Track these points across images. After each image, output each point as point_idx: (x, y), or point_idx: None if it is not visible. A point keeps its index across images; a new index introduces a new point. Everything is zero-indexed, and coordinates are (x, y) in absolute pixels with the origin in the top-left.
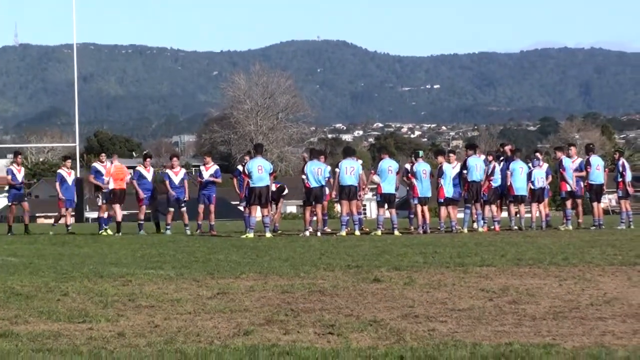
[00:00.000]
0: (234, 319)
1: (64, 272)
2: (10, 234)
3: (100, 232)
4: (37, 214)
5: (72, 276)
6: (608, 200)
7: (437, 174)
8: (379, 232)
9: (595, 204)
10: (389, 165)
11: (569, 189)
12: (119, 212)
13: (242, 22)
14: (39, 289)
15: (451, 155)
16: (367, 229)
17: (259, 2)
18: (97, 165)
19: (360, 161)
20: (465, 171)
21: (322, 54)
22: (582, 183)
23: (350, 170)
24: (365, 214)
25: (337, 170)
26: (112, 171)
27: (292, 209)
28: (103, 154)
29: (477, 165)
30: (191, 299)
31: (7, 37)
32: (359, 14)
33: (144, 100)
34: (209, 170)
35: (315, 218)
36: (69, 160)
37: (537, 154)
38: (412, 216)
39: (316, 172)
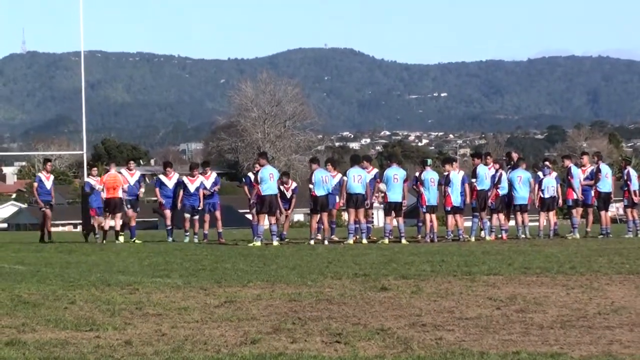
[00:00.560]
0: (241, 327)
1: (71, 280)
2: (45, 241)
3: (132, 240)
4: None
5: (79, 284)
6: (615, 208)
7: (444, 182)
8: (386, 241)
9: (603, 212)
10: (394, 173)
11: (575, 197)
12: (108, 222)
13: (250, 29)
14: (46, 297)
15: (453, 163)
16: (375, 238)
17: (266, 10)
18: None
19: (375, 170)
20: (474, 180)
21: (329, 62)
22: (591, 192)
23: (358, 178)
24: (372, 222)
25: (344, 178)
26: (105, 180)
27: (299, 217)
28: (95, 168)
29: (485, 174)
30: (198, 308)
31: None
32: (367, 22)
33: (151, 108)
34: (209, 179)
35: (322, 226)
36: (95, 169)
37: (547, 163)
38: (420, 224)
39: (323, 179)
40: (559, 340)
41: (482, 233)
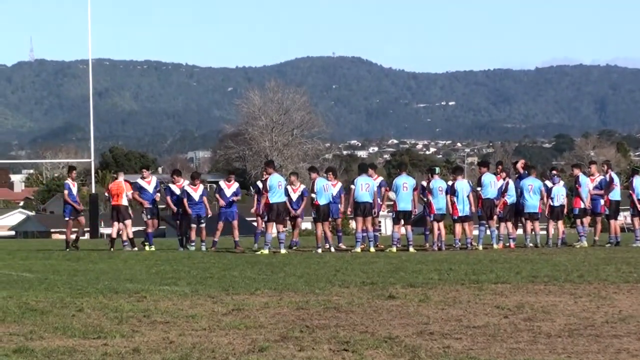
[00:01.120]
0: (249, 335)
1: (79, 287)
2: (70, 249)
3: (148, 247)
4: (51, 230)
5: (87, 292)
6: (624, 217)
7: (450, 191)
8: (394, 249)
9: (612, 221)
10: (404, 182)
11: (582, 206)
12: (115, 229)
13: (258, 38)
14: (54, 304)
15: (463, 174)
16: (382, 246)
17: (274, 19)
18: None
19: (380, 178)
20: (479, 188)
21: (337, 71)
22: (601, 200)
23: (366, 187)
24: (380, 230)
25: (352, 187)
26: (110, 187)
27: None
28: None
29: (491, 182)
30: (206, 315)
31: (23, 53)
32: (374, 30)
33: (158, 116)
34: (230, 188)
35: (325, 235)
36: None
37: (554, 172)
38: (427, 233)
39: (325, 188)
40: (567, 349)
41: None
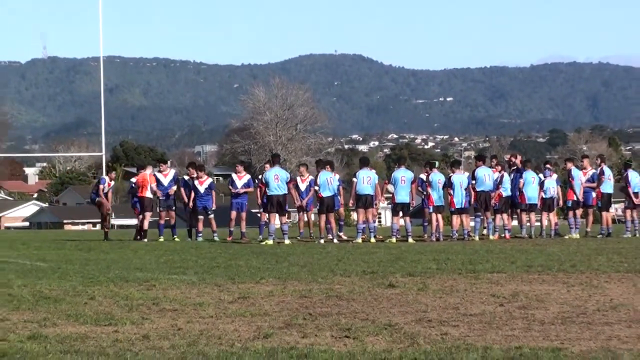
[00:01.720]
0: (254, 322)
1: (91, 276)
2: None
3: (159, 238)
4: (64, 221)
5: (98, 280)
6: (615, 209)
7: (447, 184)
8: (393, 240)
9: (604, 212)
10: (402, 175)
11: (575, 198)
12: (145, 220)
13: (262, 36)
14: (66, 292)
15: (461, 167)
16: (382, 237)
17: (278, 17)
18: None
19: (373, 170)
20: (474, 181)
21: (339, 68)
22: (593, 193)
23: (367, 180)
24: (380, 222)
25: (354, 180)
26: (137, 179)
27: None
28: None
29: (485, 175)
30: (213, 303)
31: (37, 50)
32: (375, 29)
33: (167, 111)
34: (241, 180)
35: (329, 225)
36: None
37: (548, 165)
38: (426, 224)
39: (328, 181)
40: (560, 335)
41: (485, 231)
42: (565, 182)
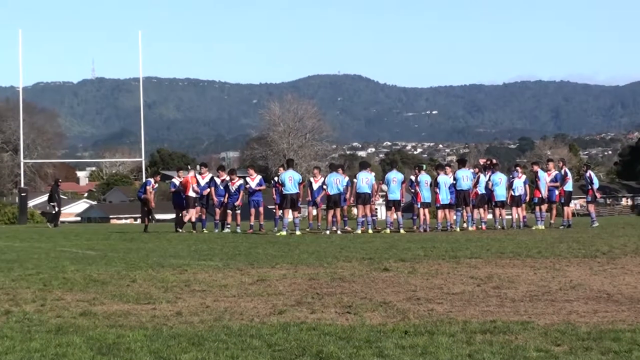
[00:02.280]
0: (270, 301)
1: (133, 263)
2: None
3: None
4: (110, 216)
5: (139, 266)
6: (574, 204)
7: (433, 184)
8: (387, 231)
9: (565, 207)
10: (393, 176)
11: (540, 195)
12: (189, 215)
13: (277, 59)
14: (112, 276)
15: (447, 168)
16: (379, 228)
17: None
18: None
19: (373, 173)
20: (454, 181)
21: (341, 86)
22: (556, 191)
23: (366, 180)
24: (376, 216)
25: (354, 180)
26: (182, 180)
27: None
28: (181, 171)
29: (463, 176)
30: (235, 285)
31: (86, 72)
32: (372, 53)
33: (196, 123)
34: (254, 181)
35: (336, 219)
36: (181, 171)
37: (517, 168)
38: (415, 218)
39: (335, 182)
40: (528, 311)
41: (465, 224)
42: (533, 182)
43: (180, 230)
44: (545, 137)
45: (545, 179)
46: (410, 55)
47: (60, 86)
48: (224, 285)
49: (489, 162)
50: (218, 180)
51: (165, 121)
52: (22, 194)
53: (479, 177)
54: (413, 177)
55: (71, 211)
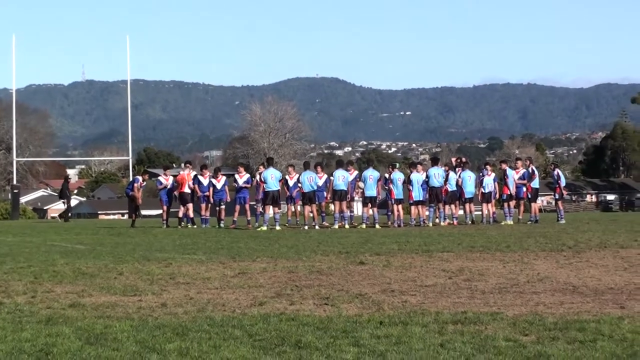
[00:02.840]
0: (251, 293)
1: (120, 256)
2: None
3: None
4: (98, 212)
5: (126, 260)
6: (541, 201)
7: (407, 181)
8: (363, 226)
9: (533, 204)
10: (370, 174)
11: (509, 192)
12: (182, 211)
13: (258, 63)
14: (100, 269)
15: (419, 166)
16: (355, 223)
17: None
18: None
19: (356, 172)
20: (427, 179)
21: (319, 88)
22: (524, 188)
23: (342, 178)
24: (353, 211)
25: (331, 178)
26: (177, 178)
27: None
28: (169, 169)
29: (435, 174)
30: (218, 277)
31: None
32: (349, 57)
33: (181, 124)
34: (242, 178)
35: (312, 214)
36: (169, 170)
37: (487, 166)
38: (389, 213)
39: (308, 179)
40: (497, 302)
41: (437, 220)
42: (502, 179)
43: (189, 225)
44: (513, 136)
45: (513, 176)
46: (385, 58)
47: (51, 88)
48: (207, 277)
49: (459, 161)
50: (201, 178)
51: (151, 121)
52: (15, 191)
53: (448, 175)
54: (387, 175)
55: (61, 207)
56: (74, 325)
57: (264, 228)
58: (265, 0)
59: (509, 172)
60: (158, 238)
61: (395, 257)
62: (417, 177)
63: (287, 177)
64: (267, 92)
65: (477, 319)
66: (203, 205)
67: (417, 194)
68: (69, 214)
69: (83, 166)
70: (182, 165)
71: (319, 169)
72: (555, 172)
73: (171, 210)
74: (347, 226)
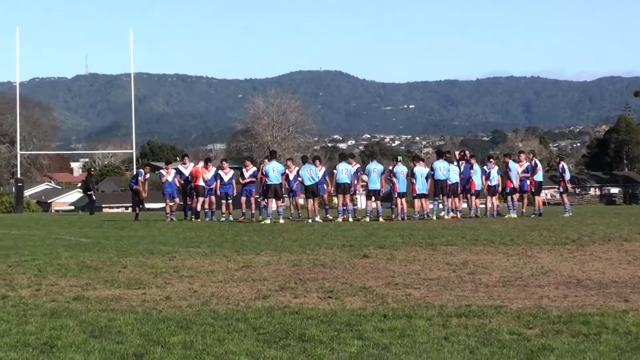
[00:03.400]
0: (255, 286)
1: (124, 250)
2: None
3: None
4: (102, 205)
5: (130, 253)
6: (545, 194)
7: (410, 175)
8: (367, 219)
9: (536, 197)
10: (374, 167)
11: (512, 185)
12: (199, 204)
13: (261, 56)
14: (104, 262)
15: (420, 162)
16: (359, 217)
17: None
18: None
19: (357, 165)
20: (432, 172)
21: (323, 81)
22: (527, 181)
23: (345, 171)
24: (356, 205)
25: (335, 171)
26: (192, 171)
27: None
28: (171, 164)
29: (440, 167)
30: (222, 271)
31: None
32: (352, 50)
33: (185, 117)
34: (249, 172)
35: (314, 208)
36: (171, 164)
37: (491, 159)
38: (393, 207)
39: (308, 172)
40: (501, 296)
41: (442, 213)
42: (504, 173)
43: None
44: (516, 130)
45: (516, 169)
46: (388, 52)
47: (55, 81)
48: (211, 271)
49: (462, 154)
50: (205, 171)
51: (155, 115)
52: (19, 184)
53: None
54: (390, 168)
55: (65, 200)
56: (78, 319)
57: (268, 221)
58: None
59: (511, 165)
60: (162, 231)
61: (399, 251)
62: (421, 170)
63: (286, 170)
64: (270, 85)
65: (481, 312)
66: (206, 200)
67: (421, 187)
68: (94, 207)
69: (87, 159)
70: (178, 159)
71: (317, 162)
72: (560, 165)
73: (179, 203)
74: (350, 219)
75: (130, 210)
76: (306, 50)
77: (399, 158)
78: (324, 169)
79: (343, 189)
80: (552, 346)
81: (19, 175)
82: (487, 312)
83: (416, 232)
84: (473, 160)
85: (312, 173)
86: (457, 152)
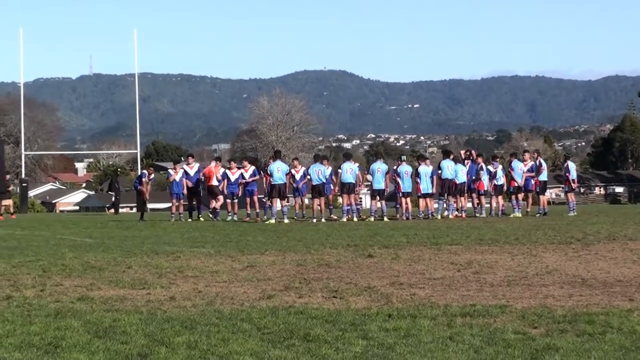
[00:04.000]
0: (260, 286)
1: (128, 250)
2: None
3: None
4: (107, 205)
5: (134, 253)
6: (549, 193)
7: (415, 174)
8: (372, 219)
9: (541, 196)
10: (378, 167)
11: (517, 185)
12: (213, 204)
13: (266, 56)
14: (108, 263)
15: (427, 160)
16: (363, 216)
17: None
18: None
19: (357, 164)
20: (439, 171)
21: (327, 81)
22: (532, 181)
23: (350, 171)
24: (361, 204)
25: (339, 171)
26: (205, 171)
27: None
28: (178, 164)
29: (447, 166)
30: (226, 271)
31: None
32: (357, 49)
33: (189, 117)
34: (248, 172)
35: (320, 208)
36: (178, 164)
37: (496, 159)
38: (397, 206)
39: (317, 172)
40: (506, 295)
41: (446, 212)
42: (508, 172)
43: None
44: (521, 129)
45: (520, 168)
46: (393, 51)
47: (59, 82)
48: (215, 271)
49: (468, 153)
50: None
51: (159, 115)
52: (23, 184)
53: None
54: (395, 168)
55: (70, 201)
56: (83, 319)
57: (272, 221)
58: None
59: (515, 164)
60: (166, 232)
61: (403, 250)
62: (425, 169)
63: (292, 170)
64: (275, 85)
65: (485, 311)
66: (219, 198)
67: (425, 186)
68: (119, 206)
69: (91, 160)
70: (183, 158)
71: (325, 162)
72: (566, 165)
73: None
74: (355, 219)
75: (135, 210)
76: (311, 50)
77: (403, 158)
78: (330, 168)
79: (348, 188)
80: (557, 345)
81: (23, 176)
82: (491, 311)
83: (421, 232)
84: (480, 160)
85: (320, 173)
86: (462, 152)
